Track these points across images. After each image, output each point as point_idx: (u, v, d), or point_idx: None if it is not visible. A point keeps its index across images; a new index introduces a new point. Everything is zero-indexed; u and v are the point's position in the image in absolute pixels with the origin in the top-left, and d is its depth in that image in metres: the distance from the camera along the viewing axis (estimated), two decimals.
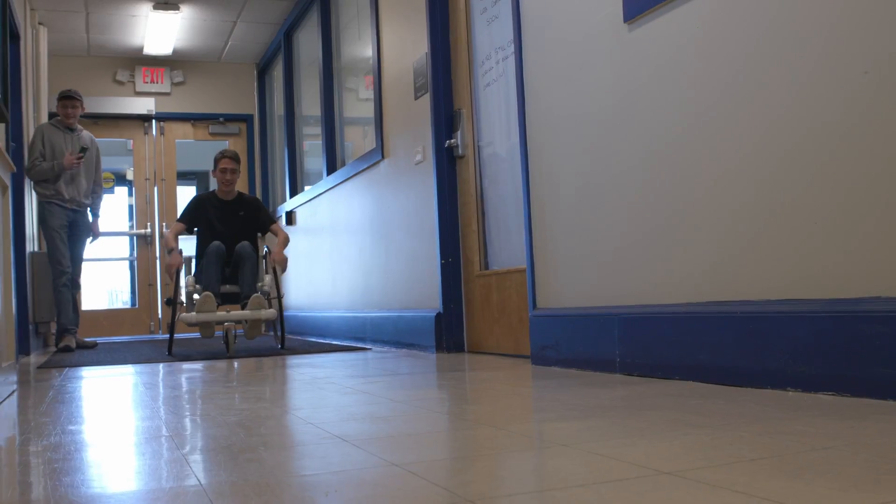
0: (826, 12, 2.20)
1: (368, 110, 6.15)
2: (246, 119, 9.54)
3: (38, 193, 6.35)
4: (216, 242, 5.52)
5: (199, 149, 9.73)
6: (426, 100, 4.84)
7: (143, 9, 7.73)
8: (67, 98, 6.44)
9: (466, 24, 4.60)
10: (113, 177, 9.08)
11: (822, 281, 2.22)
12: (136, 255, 9.17)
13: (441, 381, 3.12)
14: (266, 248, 5.97)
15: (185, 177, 10.29)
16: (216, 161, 5.83)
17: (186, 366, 4.57)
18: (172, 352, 5.50)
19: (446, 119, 4.71)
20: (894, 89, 2.01)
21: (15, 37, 6.12)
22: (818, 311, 2.19)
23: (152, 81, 9.14)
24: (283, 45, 8.34)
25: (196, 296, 5.50)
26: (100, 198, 6.73)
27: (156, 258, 9.15)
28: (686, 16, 2.71)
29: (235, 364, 4.54)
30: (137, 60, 9.07)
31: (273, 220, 6.02)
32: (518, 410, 2.22)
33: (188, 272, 5.95)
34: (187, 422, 2.22)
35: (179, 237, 5.72)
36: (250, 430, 2.00)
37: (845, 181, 2.15)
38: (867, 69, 2.08)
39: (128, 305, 9.40)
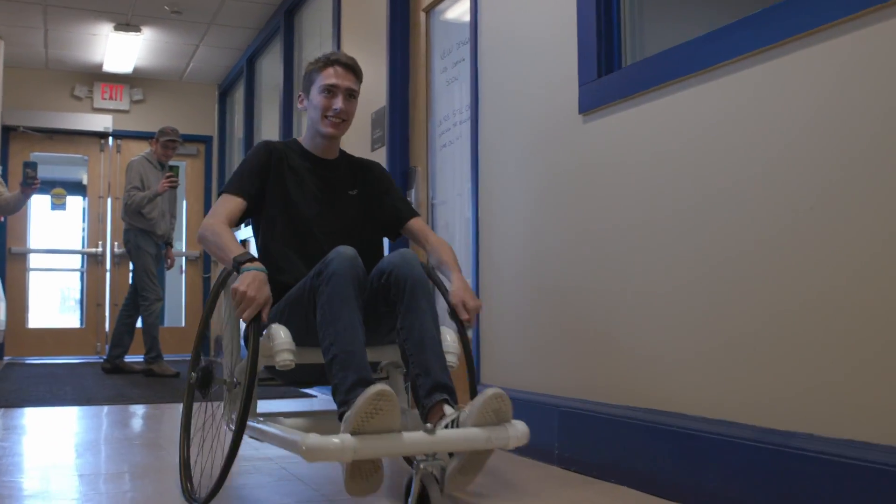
0: (779, 147, 2.21)
1: None
2: (205, 140, 9.44)
3: (132, 226, 6.59)
4: (346, 249, 2.34)
5: None
6: (382, 153, 4.81)
7: (103, 28, 7.62)
8: (171, 141, 6.73)
9: (426, 81, 4.58)
10: (65, 192, 8.90)
11: (755, 407, 2.22)
12: (86, 273, 9.01)
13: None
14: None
15: None
16: (315, 71, 2.74)
17: (134, 408, 4.49)
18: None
19: (401, 175, 4.68)
20: (836, 225, 2.03)
21: None
22: (753, 439, 2.19)
23: (111, 98, 9.01)
24: (246, 70, 8.27)
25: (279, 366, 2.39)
26: (174, 229, 7.09)
27: (106, 272, 8.98)
28: (638, 116, 2.71)
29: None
30: (96, 76, 8.95)
31: (415, 210, 2.94)
32: None
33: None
34: None
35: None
36: None
37: (784, 312, 2.16)
38: (812, 205, 2.09)
39: (74, 325, 9.23)
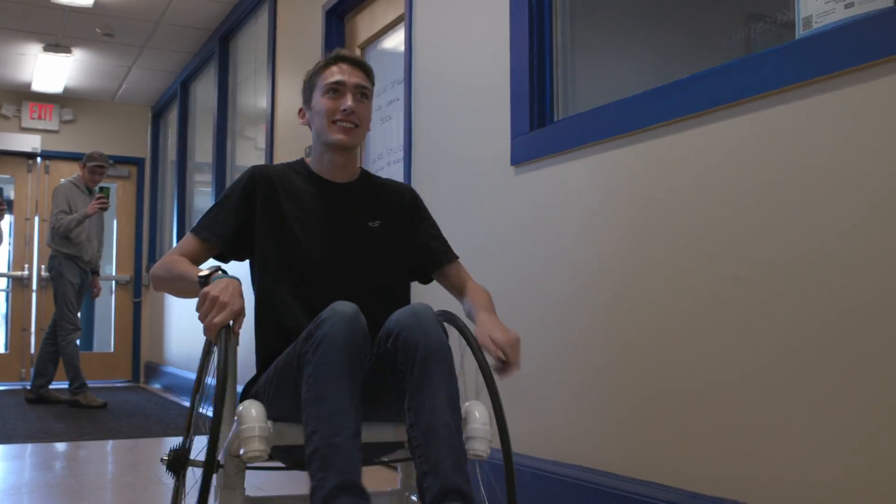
0: (701, 219, 2.24)
1: (262, 159, 6.03)
2: (137, 162, 9.26)
3: (57, 252, 6.46)
4: (343, 306, 1.85)
5: None
6: None
7: (32, 48, 7.44)
8: (99, 167, 6.62)
9: None
10: None
11: (685, 470, 2.24)
12: (10, 296, 8.76)
13: None
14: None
15: None
16: (315, 74, 2.24)
17: (58, 447, 4.36)
18: None
19: None
20: (761, 293, 2.06)
21: None
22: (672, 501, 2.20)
23: (40, 118, 8.79)
24: (180, 93, 8.16)
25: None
26: (101, 256, 6.91)
27: (32, 294, 8.74)
28: (568, 171, 2.73)
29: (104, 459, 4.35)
30: (25, 95, 8.72)
31: (453, 253, 2.36)
32: None
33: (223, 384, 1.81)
34: None
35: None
36: None
37: (713, 381, 2.18)
38: (738, 274, 2.12)
39: None
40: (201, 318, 1.85)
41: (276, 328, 2.10)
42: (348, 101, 2.14)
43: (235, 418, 1.86)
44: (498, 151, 3.07)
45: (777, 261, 2.01)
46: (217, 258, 2.19)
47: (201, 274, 1.95)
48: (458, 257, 2.34)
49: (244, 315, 1.88)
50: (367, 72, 2.23)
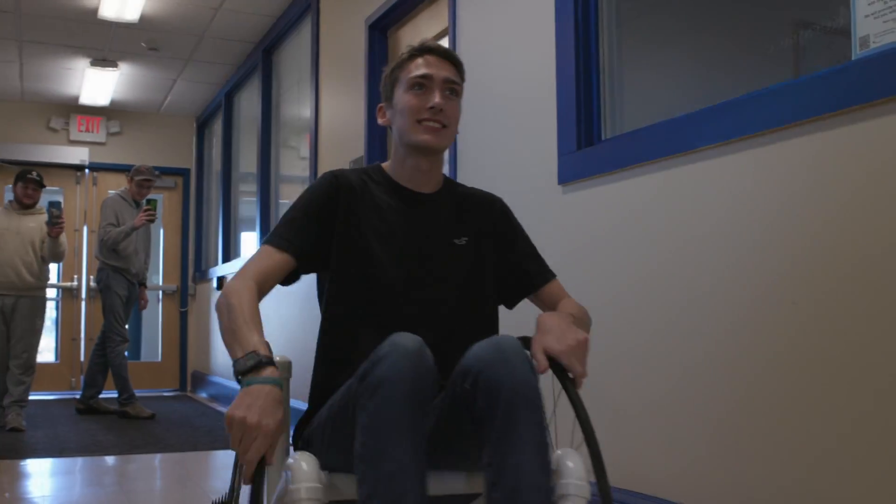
0: (755, 243, 2.19)
1: (307, 169, 6.07)
2: (183, 173, 9.36)
3: (105, 264, 6.54)
4: (405, 339, 1.55)
5: None
6: None
7: (79, 63, 7.55)
8: (146, 180, 6.69)
9: None
10: None
11: (720, 494, 2.20)
12: (60, 307, 8.90)
13: None
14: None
15: None
16: (398, 67, 1.93)
17: (108, 461, 4.40)
18: None
19: None
20: (817, 318, 2.02)
21: None
22: None
23: (87, 130, 8.92)
24: (224, 104, 8.23)
25: None
26: (148, 268, 7.00)
27: (81, 310, 8.86)
28: (618, 191, 2.69)
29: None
30: (73, 109, 8.86)
31: (551, 272, 2.04)
32: None
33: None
34: None
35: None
36: None
37: (768, 404, 2.14)
38: (796, 300, 2.07)
39: (49, 359, 9.10)
40: (233, 446, 1.47)
41: (341, 360, 1.80)
42: (436, 98, 1.86)
43: (286, 471, 1.62)
44: (545, 170, 3.04)
45: (835, 284, 1.96)
46: (292, 274, 1.86)
47: (237, 365, 1.56)
48: (555, 276, 2.03)
49: (282, 433, 1.56)
50: (457, 65, 1.95)
